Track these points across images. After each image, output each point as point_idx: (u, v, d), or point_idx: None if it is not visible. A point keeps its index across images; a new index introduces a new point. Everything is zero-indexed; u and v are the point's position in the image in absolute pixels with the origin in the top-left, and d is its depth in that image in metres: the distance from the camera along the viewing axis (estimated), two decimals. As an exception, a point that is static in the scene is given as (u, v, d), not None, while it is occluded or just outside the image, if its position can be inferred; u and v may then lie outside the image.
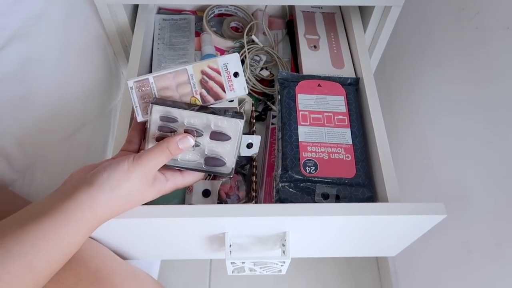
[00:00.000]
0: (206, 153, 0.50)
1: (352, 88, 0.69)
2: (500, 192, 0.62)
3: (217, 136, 0.49)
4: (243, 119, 0.49)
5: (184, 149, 0.47)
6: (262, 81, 0.79)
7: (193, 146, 0.49)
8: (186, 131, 0.49)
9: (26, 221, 0.38)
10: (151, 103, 0.48)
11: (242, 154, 0.52)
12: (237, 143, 0.50)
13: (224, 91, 0.52)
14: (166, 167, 0.49)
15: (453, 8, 0.72)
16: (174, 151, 0.46)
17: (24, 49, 0.60)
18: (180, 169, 0.50)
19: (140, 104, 0.51)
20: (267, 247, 0.60)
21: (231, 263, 0.55)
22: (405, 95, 0.91)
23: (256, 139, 0.53)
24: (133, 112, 0.66)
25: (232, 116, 0.49)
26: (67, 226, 0.39)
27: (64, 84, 0.68)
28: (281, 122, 0.65)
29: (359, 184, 0.59)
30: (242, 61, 0.79)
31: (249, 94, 0.77)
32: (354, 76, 0.72)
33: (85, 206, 0.39)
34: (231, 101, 0.67)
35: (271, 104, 0.77)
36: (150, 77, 0.50)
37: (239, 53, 0.80)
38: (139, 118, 0.51)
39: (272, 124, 0.75)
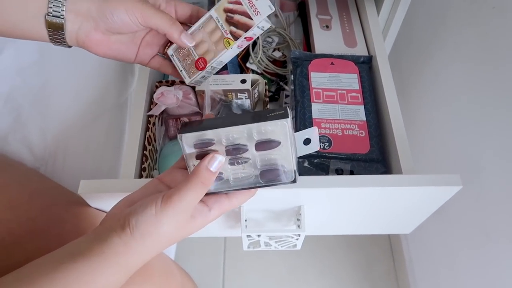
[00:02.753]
0: (259, 166, 0.42)
1: (365, 66, 0.69)
2: (516, 167, 0.61)
3: (263, 146, 0.41)
4: (288, 117, 0.39)
5: (217, 170, 0.40)
6: (274, 62, 0.80)
7: (241, 163, 0.42)
8: (228, 152, 0.41)
9: (61, 261, 0.37)
10: (178, 133, 0.41)
11: (301, 154, 0.46)
12: (290, 145, 0.41)
13: (251, 18, 0.49)
14: (211, 193, 0.42)
15: (468, -13, 0.71)
16: (207, 180, 0.39)
17: None
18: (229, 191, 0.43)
19: (184, 67, 0.52)
20: (282, 223, 0.61)
21: (247, 236, 0.56)
22: (419, 78, 0.91)
23: (312, 133, 0.45)
24: (150, 103, 0.67)
25: (275, 118, 0.40)
26: (102, 268, 0.37)
27: (81, 73, 0.70)
28: (294, 100, 0.66)
29: (373, 160, 0.60)
30: (255, 43, 0.80)
31: (262, 74, 0.78)
32: (367, 54, 0.72)
33: (119, 251, 0.37)
34: (244, 82, 0.68)
35: (283, 85, 0.77)
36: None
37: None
38: (187, 81, 0.52)
39: (285, 103, 0.75)
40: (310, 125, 0.61)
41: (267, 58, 0.79)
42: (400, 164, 0.57)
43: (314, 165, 0.59)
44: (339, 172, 0.59)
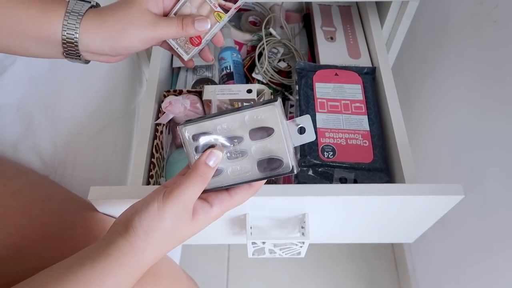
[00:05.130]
0: (255, 157, 0.42)
1: (369, 77, 0.70)
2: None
3: (257, 134, 0.42)
4: (277, 101, 0.41)
5: (215, 165, 0.41)
6: (280, 72, 0.81)
7: (239, 156, 0.42)
8: (224, 143, 0.42)
9: (70, 266, 0.38)
10: (177, 126, 0.43)
11: (297, 144, 0.44)
12: (283, 132, 0.41)
13: None
14: (211, 190, 0.43)
15: (471, 2, 0.72)
16: (206, 173, 0.40)
17: None
18: (229, 187, 0.43)
19: (180, 45, 0.51)
20: (286, 231, 0.62)
21: (252, 243, 0.57)
22: (422, 89, 0.92)
23: (305, 120, 0.43)
24: (158, 111, 0.69)
25: (265, 103, 0.41)
26: (109, 270, 0.37)
27: (90, 82, 0.72)
28: (299, 110, 0.67)
29: (377, 169, 0.61)
30: (261, 54, 0.81)
31: (267, 85, 0.79)
32: (370, 66, 0.73)
33: (125, 251, 0.38)
34: (250, 92, 0.69)
35: (288, 94, 0.79)
36: (171, 14, 0.50)
37: (257, 46, 0.82)
38: (186, 57, 0.52)
39: (290, 113, 0.77)
40: (310, 122, 0.62)
41: (272, 69, 0.81)
42: (403, 173, 0.58)
43: (319, 173, 0.61)
44: (343, 181, 0.60)
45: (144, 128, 0.64)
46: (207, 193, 0.42)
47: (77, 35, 0.43)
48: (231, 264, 1.17)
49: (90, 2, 0.45)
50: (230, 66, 0.78)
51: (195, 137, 0.42)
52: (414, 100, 0.96)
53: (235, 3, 0.49)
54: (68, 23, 0.43)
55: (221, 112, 0.42)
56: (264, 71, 0.79)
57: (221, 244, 1.14)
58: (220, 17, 0.50)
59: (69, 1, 0.44)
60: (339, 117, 0.65)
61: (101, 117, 0.73)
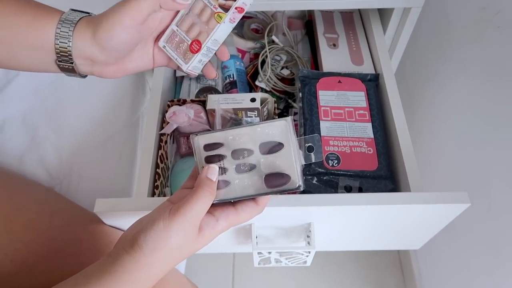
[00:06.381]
0: (263, 171, 0.43)
1: (372, 84, 0.70)
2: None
3: (267, 147, 0.43)
4: (288, 117, 0.42)
5: (216, 179, 0.42)
6: (283, 79, 0.81)
7: (247, 170, 0.43)
8: (233, 153, 0.43)
9: (76, 283, 0.38)
10: (191, 135, 0.44)
11: (305, 162, 0.44)
12: (292, 148, 0.42)
13: None
14: (217, 204, 0.42)
15: (473, 7, 0.72)
16: (211, 188, 0.41)
17: None
18: (235, 200, 0.43)
19: (178, 55, 0.48)
20: (292, 240, 0.62)
21: (258, 253, 0.57)
22: (426, 95, 0.92)
23: (314, 139, 0.44)
24: (162, 121, 0.69)
25: (277, 120, 0.43)
26: (114, 287, 0.37)
27: (94, 93, 0.72)
28: (303, 118, 0.67)
29: (382, 177, 0.60)
30: (263, 61, 0.82)
31: (270, 92, 0.79)
32: (374, 72, 0.73)
33: (130, 268, 0.38)
34: (253, 100, 0.69)
35: (292, 102, 0.79)
36: (173, 25, 0.48)
37: (260, 53, 0.83)
38: (184, 67, 0.48)
39: (294, 120, 0.77)
40: (319, 142, 0.63)
41: (275, 76, 0.81)
42: (408, 181, 0.58)
43: (323, 182, 0.60)
44: (348, 189, 0.60)
45: (149, 139, 0.64)
46: (213, 207, 0.42)
47: (70, 42, 0.42)
48: (236, 271, 1.17)
49: (87, 13, 0.45)
50: (233, 75, 0.78)
51: (206, 147, 0.43)
52: (416, 104, 0.96)
53: (235, 0, 0.46)
54: (61, 31, 0.42)
55: (234, 125, 0.43)
56: (267, 78, 0.79)
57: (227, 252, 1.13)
58: (220, 17, 0.47)
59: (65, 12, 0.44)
60: (343, 124, 0.65)
61: (105, 128, 0.73)
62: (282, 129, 0.42)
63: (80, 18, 0.44)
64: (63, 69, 0.45)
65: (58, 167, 0.63)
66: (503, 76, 0.65)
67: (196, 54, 0.48)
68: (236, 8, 0.47)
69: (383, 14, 0.78)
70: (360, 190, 0.60)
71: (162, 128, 0.68)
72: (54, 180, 0.63)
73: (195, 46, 0.48)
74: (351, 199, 0.51)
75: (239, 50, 0.85)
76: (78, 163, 0.67)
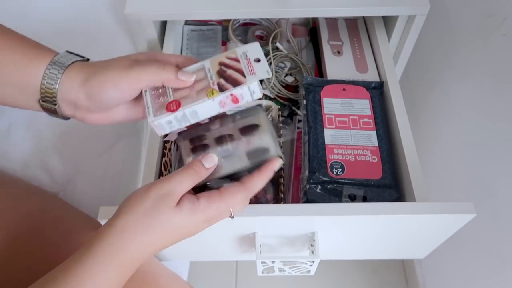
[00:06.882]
0: (245, 149, 0.47)
1: (377, 92, 0.70)
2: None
3: (246, 130, 0.47)
4: (261, 105, 0.47)
5: (210, 168, 0.43)
6: (287, 87, 0.81)
7: (231, 150, 0.46)
8: (217, 140, 0.46)
9: (56, 271, 0.38)
10: (178, 136, 0.46)
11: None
12: (268, 126, 0.48)
13: (244, 76, 0.45)
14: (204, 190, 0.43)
15: (479, 15, 0.72)
16: (199, 168, 0.42)
17: None
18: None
19: (153, 105, 0.45)
20: (296, 248, 0.61)
21: (261, 262, 0.57)
22: (430, 102, 0.91)
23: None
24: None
25: (251, 104, 0.48)
26: (90, 265, 0.36)
27: None
28: (307, 126, 0.67)
29: (386, 186, 0.60)
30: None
31: (274, 99, 0.79)
32: (378, 80, 0.73)
33: (107, 243, 0.37)
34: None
35: (296, 109, 0.79)
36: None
37: (264, 60, 0.83)
38: (150, 119, 0.46)
39: (298, 128, 0.77)
40: (323, 151, 0.62)
41: (279, 83, 0.81)
42: (413, 190, 0.57)
43: (327, 190, 0.60)
44: (352, 197, 0.60)
45: (153, 146, 0.64)
46: (199, 193, 0.42)
47: (57, 85, 0.41)
48: (239, 278, 1.16)
49: (80, 56, 0.44)
50: (237, 81, 0.78)
51: (191, 141, 0.48)
52: (421, 112, 0.95)
53: (234, 87, 0.45)
54: (50, 72, 0.41)
55: (214, 116, 0.48)
56: (272, 85, 0.79)
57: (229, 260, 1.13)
58: (212, 93, 0.44)
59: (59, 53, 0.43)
60: (348, 133, 0.65)
61: (110, 134, 0.73)
62: (257, 112, 0.49)
63: (74, 62, 0.43)
64: (46, 109, 0.44)
65: (62, 172, 0.63)
66: (509, 84, 0.65)
67: (169, 114, 0.45)
68: (231, 95, 0.45)
69: (388, 22, 0.78)
70: (365, 199, 0.60)
71: (166, 135, 0.68)
72: (58, 186, 0.63)
73: (172, 106, 0.45)
74: (356, 209, 0.51)
75: (243, 57, 0.85)
76: (82, 169, 0.67)
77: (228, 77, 0.45)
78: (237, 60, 0.46)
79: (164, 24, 0.81)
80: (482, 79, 0.72)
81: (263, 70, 0.45)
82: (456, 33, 0.79)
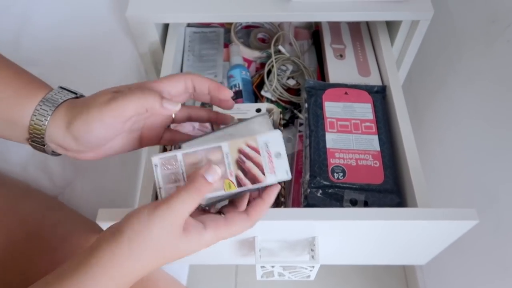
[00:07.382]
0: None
1: (379, 96, 0.69)
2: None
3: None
4: (267, 114, 0.44)
5: (213, 181, 0.40)
6: (288, 90, 0.81)
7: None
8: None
9: (52, 278, 0.36)
10: (179, 143, 0.44)
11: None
12: None
13: (264, 174, 0.44)
14: (206, 211, 0.42)
15: (483, 21, 0.71)
16: (202, 186, 0.39)
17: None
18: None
19: (165, 187, 0.43)
20: (296, 253, 0.61)
21: (261, 267, 0.56)
22: (433, 107, 0.91)
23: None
24: None
25: (257, 116, 0.45)
26: (92, 281, 0.35)
27: None
28: (308, 130, 0.66)
29: (388, 190, 0.60)
30: (269, 71, 0.81)
31: (276, 102, 0.79)
32: (381, 84, 0.73)
33: (107, 259, 0.36)
34: (259, 111, 0.69)
35: (297, 112, 0.78)
36: (179, 154, 0.43)
37: (266, 63, 0.82)
38: (161, 195, 0.43)
39: (299, 131, 0.76)
40: (324, 155, 0.62)
41: (281, 86, 0.80)
42: (414, 195, 0.57)
43: (328, 195, 0.60)
44: (353, 202, 0.59)
45: (153, 148, 0.64)
46: (203, 216, 0.41)
47: (47, 122, 0.40)
48: (238, 282, 1.16)
49: (74, 93, 0.43)
50: (239, 84, 0.78)
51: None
52: (424, 117, 0.95)
53: (252, 184, 0.43)
54: (41, 108, 0.40)
55: (220, 127, 0.47)
56: (273, 88, 0.79)
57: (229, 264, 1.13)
58: (230, 187, 0.43)
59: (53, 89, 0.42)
60: (349, 137, 0.64)
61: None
62: (262, 123, 0.46)
63: (65, 101, 0.41)
64: (35, 148, 0.43)
65: (61, 174, 0.63)
66: (513, 90, 0.64)
67: None
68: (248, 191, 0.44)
69: (391, 26, 0.78)
70: (366, 203, 0.59)
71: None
72: (58, 188, 0.63)
73: None
74: (357, 214, 0.50)
75: (245, 60, 0.85)
76: (82, 171, 0.66)
77: (248, 171, 0.44)
78: (257, 151, 0.44)
79: (166, 26, 0.80)
80: (486, 84, 0.71)
81: (283, 169, 0.44)
82: (460, 38, 0.79)
